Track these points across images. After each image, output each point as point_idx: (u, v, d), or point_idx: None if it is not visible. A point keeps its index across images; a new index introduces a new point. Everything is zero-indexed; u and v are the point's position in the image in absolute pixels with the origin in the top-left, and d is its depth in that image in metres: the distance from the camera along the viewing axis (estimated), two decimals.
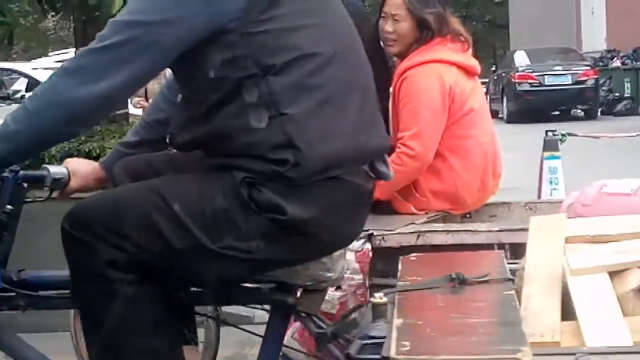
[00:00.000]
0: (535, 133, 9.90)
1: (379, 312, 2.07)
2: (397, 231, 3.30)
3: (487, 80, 22.79)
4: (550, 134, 6.69)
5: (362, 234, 3.15)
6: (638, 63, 21.70)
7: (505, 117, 21.10)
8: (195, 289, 2.48)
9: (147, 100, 7.15)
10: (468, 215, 3.81)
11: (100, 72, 2.17)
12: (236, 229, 2.21)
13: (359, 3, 4.09)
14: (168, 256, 2.23)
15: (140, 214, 2.24)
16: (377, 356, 1.87)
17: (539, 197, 6.20)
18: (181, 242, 2.22)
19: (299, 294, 2.43)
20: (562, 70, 21.21)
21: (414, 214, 3.62)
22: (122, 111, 7.58)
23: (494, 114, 16.18)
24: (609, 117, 20.75)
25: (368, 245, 3.24)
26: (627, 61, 22.33)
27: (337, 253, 2.41)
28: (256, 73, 2.19)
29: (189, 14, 2.18)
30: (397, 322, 1.81)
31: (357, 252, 3.20)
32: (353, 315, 2.64)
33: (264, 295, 2.47)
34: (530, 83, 21.11)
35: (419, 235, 3.27)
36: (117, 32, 2.19)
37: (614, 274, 1.92)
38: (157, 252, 2.23)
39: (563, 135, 6.74)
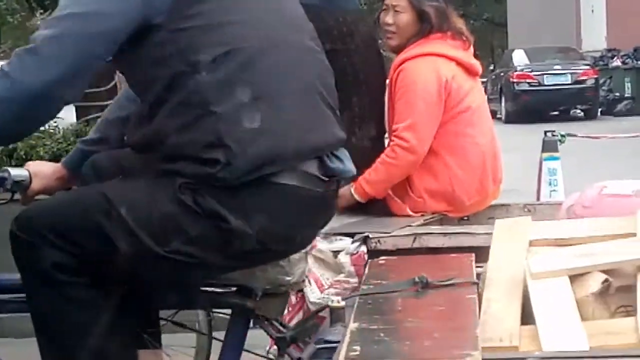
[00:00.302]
0: (534, 134, 9.93)
1: (337, 316, 2.08)
2: (393, 233, 3.30)
3: (485, 79, 22.56)
4: (549, 134, 6.70)
5: (358, 237, 3.25)
6: (639, 62, 21.59)
7: (503, 118, 21.06)
8: (155, 292, 2.46)
9: None
10: (465, 218, 3.78)
11: (35, 71, 2.15)
12: (184, 233, 2.21)
13: (355, 1, 4.08)
14: (116, 260, 2.21)
15: (87, 217, 2.23)
16: None
17: (538, 198, 6.18)
18: (128, 246, 2.20)
19: (259, 298, 2.43)
20: (562, 69, 21.14)
21: (410, 215, 3.61)
22: None
23: (492, 114, 15.61)
24: (609, 117, 20.71)
25: (363, 248, 3.24)
26: (627, 60, 22.16)
27: (296, 256, 2.41)
28: (184, 70, 2.18)
29: (121, 3, 2.17)
30: (352, 326, 1.82)
31: (352, 254, 3.21)
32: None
33: (223, 299, 2.47)
34: (529, 83, 21.05)
35: (415, 238, 3.27)
36: (49, 28, 2.18)
37: (575, 277, 1.92)
38: (104, 256, 2.22)
39: (562, 136, 6.75)
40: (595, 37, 26.94)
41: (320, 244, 3.24)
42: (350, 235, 3.29)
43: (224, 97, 2.17)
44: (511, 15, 33.38)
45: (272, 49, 2.26)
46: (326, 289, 3.19)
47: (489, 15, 37.55)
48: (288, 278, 2.39)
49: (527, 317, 1.86)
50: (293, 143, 2.23)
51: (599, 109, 21.22)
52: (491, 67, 26.76)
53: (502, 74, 22.41)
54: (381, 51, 3.98)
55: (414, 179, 3.65)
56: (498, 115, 20.83)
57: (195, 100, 2.18)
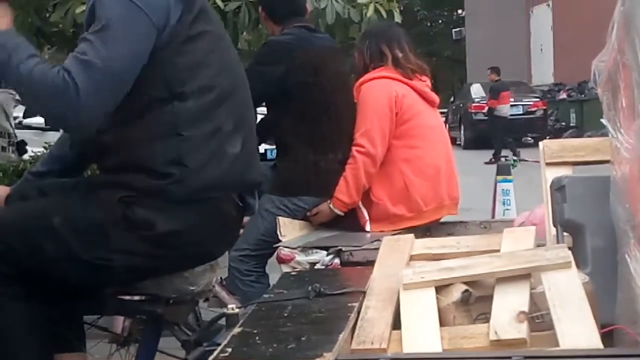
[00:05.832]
0: (489, 158, 9.84)
1: (231, 321, 2.08)
2: (363, 247, 3.37)
3: (446, 110, 22.96)
4: (503, 159, 6.95)
5: (332, 250, 3.34)
6: (582, 95, 21.52)
7: (462, 144, 21.25)
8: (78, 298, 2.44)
9: None
10: (428, 233, 3.80)
11: None
12: (108, 242, 2.23)
13: (330, 40, 4.25)
14: (43, 265, 2.22)
15: (24, 226, 2.25)
16: None
17: (493, 216, 6.25)
18: (56, 252, 2.22)
19: (167, 305, 2.45)
20: (514, 101, 20.97)
21: (381, 231, 3.64)
22: None
23: (452, 141, 15.67)
24: None
25: (337, 260, 3.31)
26: (572, 94, 22.34)
27: (200, 269, 2.42)
28: (165, 97, 2.25)
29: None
30: (236, 330, 1.84)
31: (327, 266, 3.27)
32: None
33: (138, 306, 2.52)
34: (484, 113, 20.96)
35: None
36: None
37: (442, 288, 1.96)
38: (33, 261, 2.22)
39: (515, 160, 6.99)
40: (543, 72, 27.18)
41: (299, 257, 3.35)
42: (325, 248, 3.35)
43: (192, 124, 2.25)
44: (469, 53, 33.60)
45: (233, 90, 2.38)
46: None
47: (449, 53, 37.64)
48: (192, 288, 2.42)
49: (399, 323, 1.89)
50: (237, 175, 2.34)
51: (547, 137, 20.67)
52: (452, 99, 26.74)
53: (461, 105, 22.55)
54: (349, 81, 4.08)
55: (375, 186, 3.78)
56: (458, 142, 20.97)
57: (167, 122, 2.24)
